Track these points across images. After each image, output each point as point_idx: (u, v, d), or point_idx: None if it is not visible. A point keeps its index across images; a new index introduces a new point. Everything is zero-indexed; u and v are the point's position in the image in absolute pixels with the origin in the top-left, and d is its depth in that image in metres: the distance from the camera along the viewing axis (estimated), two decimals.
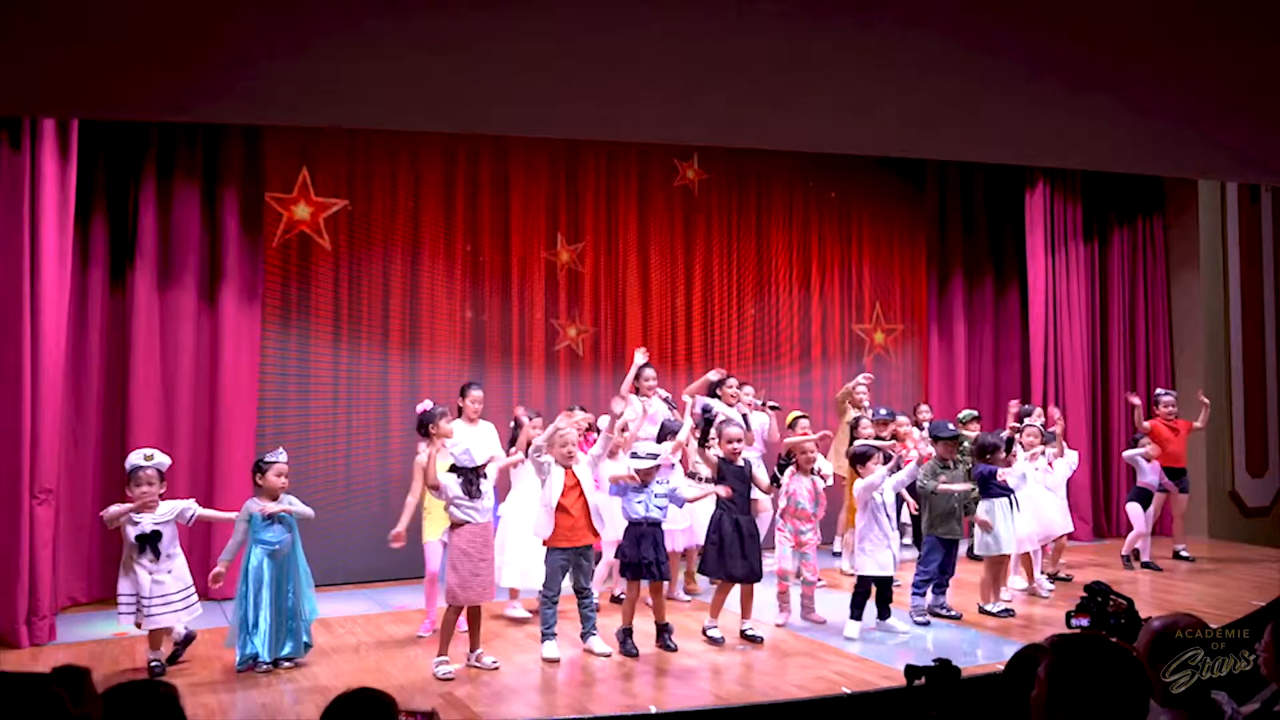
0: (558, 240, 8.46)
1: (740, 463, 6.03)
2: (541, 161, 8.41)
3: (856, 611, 6.04)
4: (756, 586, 6.02)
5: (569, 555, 5.60)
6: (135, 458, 5.48)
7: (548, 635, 5.57)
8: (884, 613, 6.16)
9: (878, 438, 7.27)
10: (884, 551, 6.04)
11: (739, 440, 6.09)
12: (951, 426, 6.87)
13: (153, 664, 5.33)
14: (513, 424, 6.65)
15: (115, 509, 5.36)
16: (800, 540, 6.27)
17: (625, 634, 5.73)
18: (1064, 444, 7.62)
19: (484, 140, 8.12)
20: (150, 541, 5.34)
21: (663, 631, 5.83)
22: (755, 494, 6.25)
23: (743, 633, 5.89)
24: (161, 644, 5.41)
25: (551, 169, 8.46)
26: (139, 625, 5.40)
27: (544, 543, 5.62)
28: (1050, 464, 7.41)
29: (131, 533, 5.33)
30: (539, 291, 8.39)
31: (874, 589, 6.11)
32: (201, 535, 7.15)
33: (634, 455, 5.89)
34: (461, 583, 5.29)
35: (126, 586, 5.35)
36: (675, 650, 5.71)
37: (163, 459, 5.53)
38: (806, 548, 6.29)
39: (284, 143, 7.56)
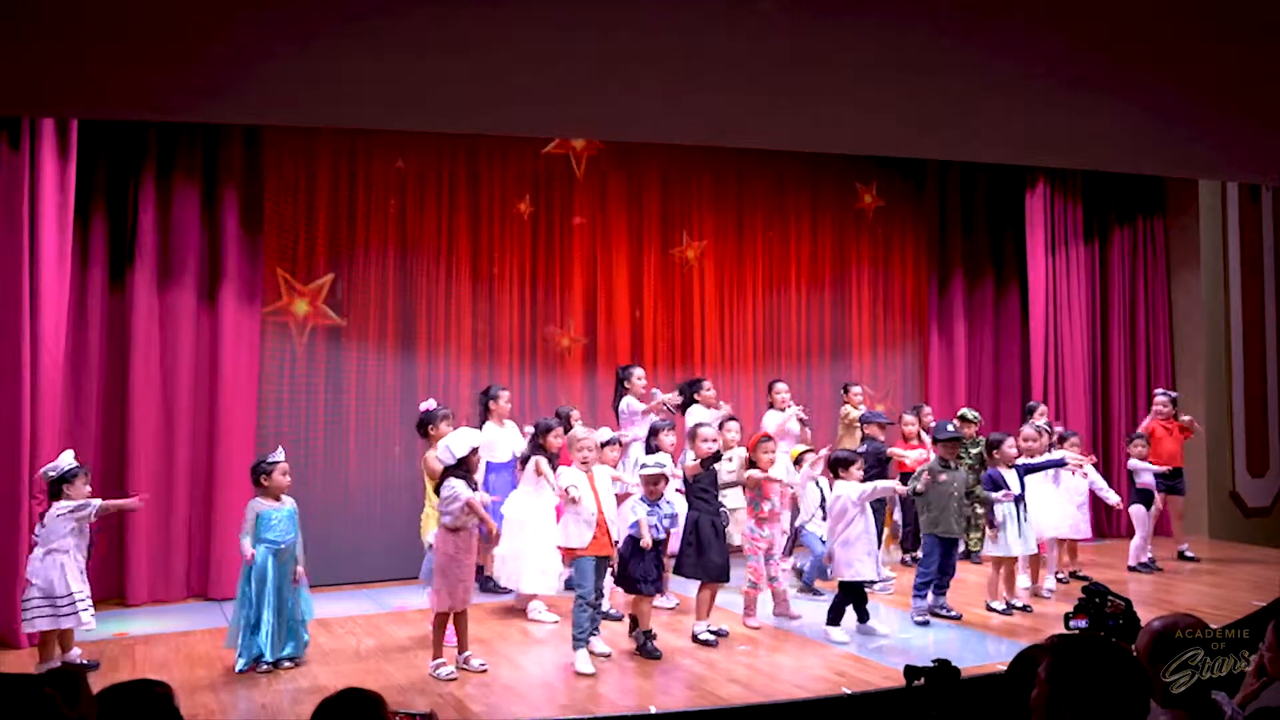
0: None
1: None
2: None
3: (834, 617, 6.01)
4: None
5: (601, 561, 5.61)
6: (70, 459, 5.47)
7: (580, 643, 5.43)
8: (862, 616, 6.14)
9: (864, 439, 7.30)
10: (862, 560, 6.00)
11: (713, 441, 6.10)
12: (951, 427, 6.87)
13: (86, 662, 5.30)
14: (532, 429, 6.65)
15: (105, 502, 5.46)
16: (769, 541, 6.24)
17: (647, 635, 5.69)
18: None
19: (484, 140, 8.12)
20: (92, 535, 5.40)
21: (647, 638, 5.70)
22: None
23: (694, 635, 5.88)
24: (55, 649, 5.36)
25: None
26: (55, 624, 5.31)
27: (578, 551, 5.56)
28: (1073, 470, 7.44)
29: (89, 530, 5.38)
30: (541, 290, 8.40)
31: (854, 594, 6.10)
32: (200, 535, 7.17)
33: (642, 467, 5.88)
34: (448, 588, 5.25)
35: (60, 587, 5.25)
36: (659, 658, 5.56)
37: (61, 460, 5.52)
38: (774, 547, 6.28)
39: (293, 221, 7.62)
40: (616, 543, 5.75)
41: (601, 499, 5.65)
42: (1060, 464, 7.04)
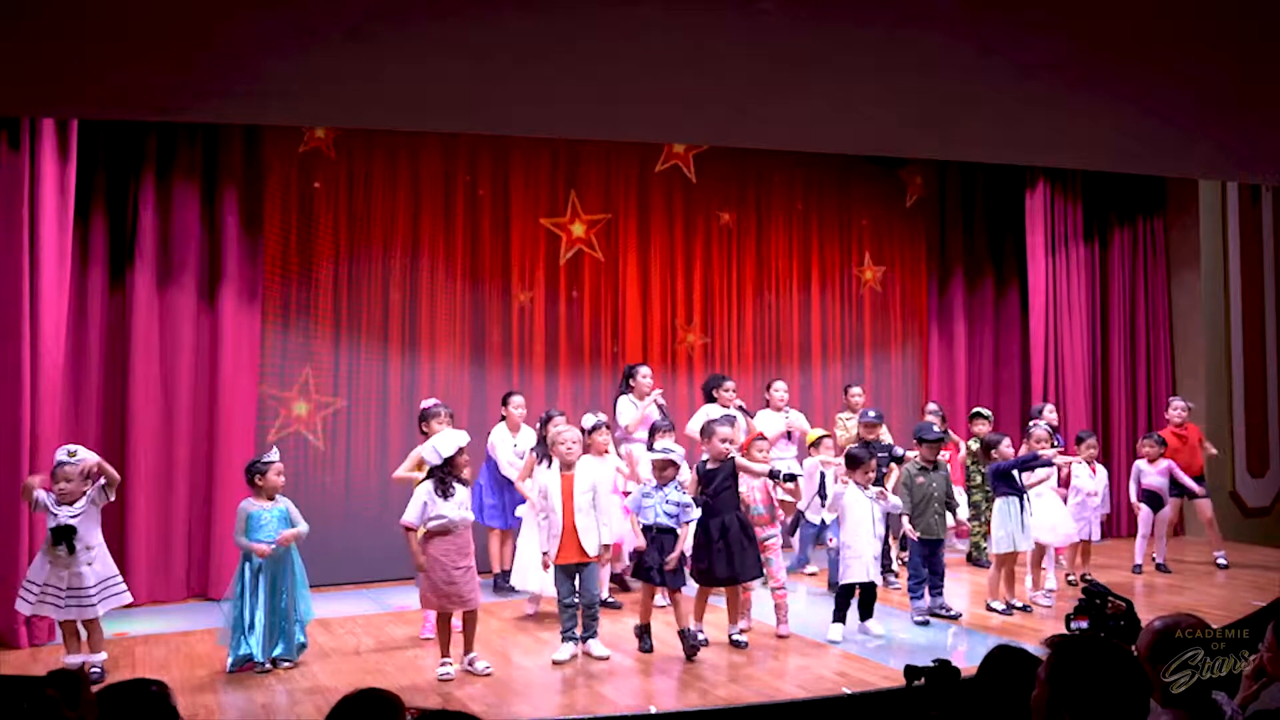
0: (562, 218, 8.47)
1: (720, 464, 5.94)
2: (542, 160, 8.42)
3: (839, 615, 6.03)
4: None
5: (570, 567, 5.57)
6: (59, 453, 5.37)
7: (565, 638, 5.57)
8: (865, 615, 6.14)
9: (865, 442, 7.21)
10: (858, 560, 6.00)
11: (729, 441, 6.01)
12: (936, 428, 6.86)
13: (93, 670, 5.09)
14: (539, 424, 6.64)
15: (35, 479, 5.26)
16: (763, 545, 6.11)
17: (643, 630, 5.75)
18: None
19: (483, 137, 8.12)
20: (65, 536, 5.19)
21: (642, 633, 5.78)
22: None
23: (730, 638, 5.86)
24: (78, 644, 5.28)
25: (551, 169, 8.46)
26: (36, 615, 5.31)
27: (553, 559, 5.58)
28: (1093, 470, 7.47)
29: (48, 523, 5.25)
30: (540, 292, 8.39)
31: (859, 593, 6.10)
32: (200, 535, 7.17)
33: (662, 451, 5.85)
34: (433, 588, 5.24)
35: (36, 575, 5.23)
36: (650, 651, 5.67)
37: (86, 455, 5.36)
38: (769, 553, 6.16)
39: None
40: (607, 546, 5.77)
41: (577, 500, 5.53)
42: (1033, 460, 6.72)
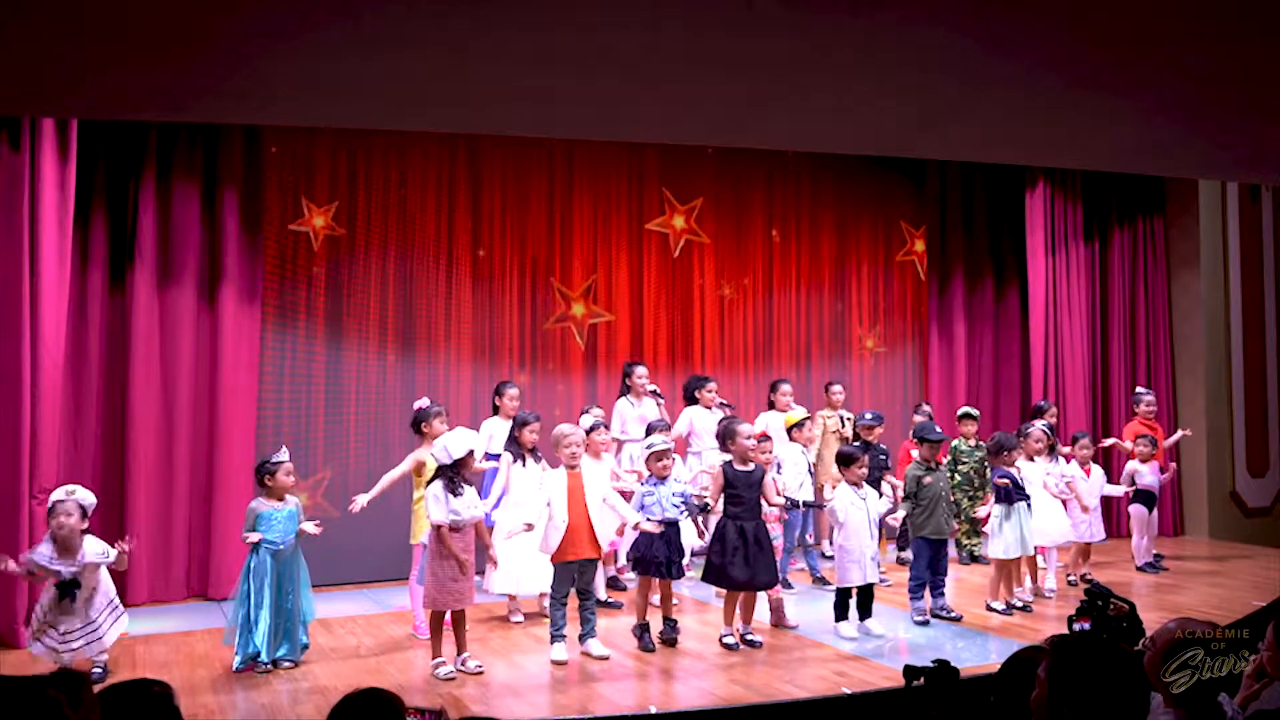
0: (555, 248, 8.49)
1: (750, 467, 5.91)
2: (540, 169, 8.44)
3: (841, 614, 6.06)
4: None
5: (574, 565, 5.58)
6: (57, 493, 5.26)
7: (556, 637, 5.56)
8: (865, 614, 6.14)
9: (865, 443, 7.22)
10: (856, 564, 6.00)
11: (749, 437, 5.95)
12: (939, 429, 6.86)
13: (94, 670, 5.15)
14: (513, 426, 6.61)
15: (37, 560, 5.10)
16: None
17: (642, 630, 5.77)
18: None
19: (484, 142, 8.12)
20: (69, 589, 5.11)
21: (664, 622, 5.86)
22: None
23: (742, 637, 5.87)
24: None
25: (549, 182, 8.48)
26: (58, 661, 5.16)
27: (550, 557, 5.57)
28: (1087, 471, 7.53)
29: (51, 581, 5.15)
30: (540, 292, 8.40)
31: (856, 593, 6.11)
32: (201, 535, 7.16)
33: (649, 447, 5.92)
34: (440, 586, 5.24)
35: (57, 622, 5.13)
36: (675, 644, 5.77)
37: (85, 494, 5.27)
38: (775, 555, 6.16)
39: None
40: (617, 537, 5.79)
41: (587, 498, 5.58)
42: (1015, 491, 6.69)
